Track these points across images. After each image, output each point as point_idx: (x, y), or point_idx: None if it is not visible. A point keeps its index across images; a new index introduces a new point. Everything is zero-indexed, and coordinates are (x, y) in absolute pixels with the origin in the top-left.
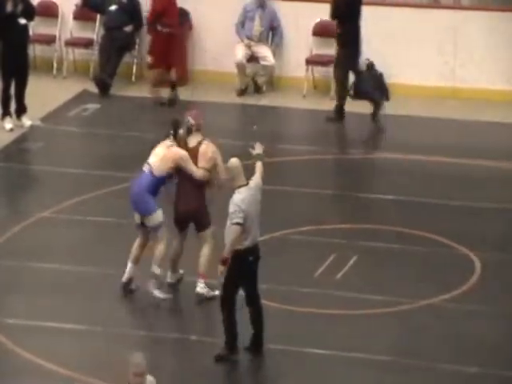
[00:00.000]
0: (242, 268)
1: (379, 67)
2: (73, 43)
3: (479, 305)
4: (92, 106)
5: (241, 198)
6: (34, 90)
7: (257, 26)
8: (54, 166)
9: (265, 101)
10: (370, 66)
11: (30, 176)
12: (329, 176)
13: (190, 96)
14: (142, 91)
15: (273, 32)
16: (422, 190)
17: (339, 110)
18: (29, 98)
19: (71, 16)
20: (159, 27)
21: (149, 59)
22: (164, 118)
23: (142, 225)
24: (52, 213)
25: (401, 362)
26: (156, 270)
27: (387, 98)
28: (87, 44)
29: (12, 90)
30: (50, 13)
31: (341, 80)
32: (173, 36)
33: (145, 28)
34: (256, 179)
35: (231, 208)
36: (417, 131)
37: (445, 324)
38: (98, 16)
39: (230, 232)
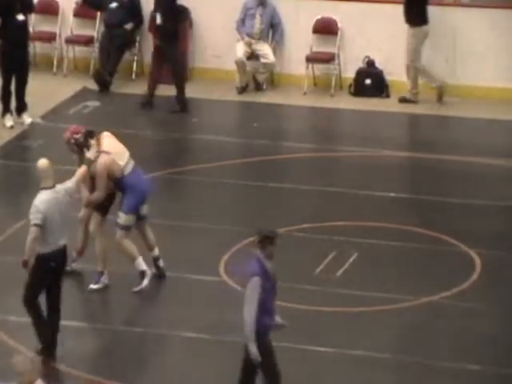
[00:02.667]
0: (44, 273)
1: (380, 64)
2: (73, 41)
3: (479, 302)
4: (92, 104)
5: (41, 199)
6: (35, 87)
7: (257, 24)
8: (54, 163)
9: (265, 98)
10: (370, 63)
11: (30, 173)
12: (329, 173)
13: None
14: (142, 89)
15: (273, 29)
16: (423, 187)
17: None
18: (29, 96)
19: (71, 13)
20: None
21: None
22: (164, 117)
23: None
24: None
25: (401, 360)
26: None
27: (387, 95)
28: (87, 41)
29: (12, 87)
30: (51, 10)
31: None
32: None
33: (145, 26)
34: (67, 183)
35: (31, 209)
36: (416, 129)
37: (445, 321)
38: (99, 13)
39: (30, 233)
